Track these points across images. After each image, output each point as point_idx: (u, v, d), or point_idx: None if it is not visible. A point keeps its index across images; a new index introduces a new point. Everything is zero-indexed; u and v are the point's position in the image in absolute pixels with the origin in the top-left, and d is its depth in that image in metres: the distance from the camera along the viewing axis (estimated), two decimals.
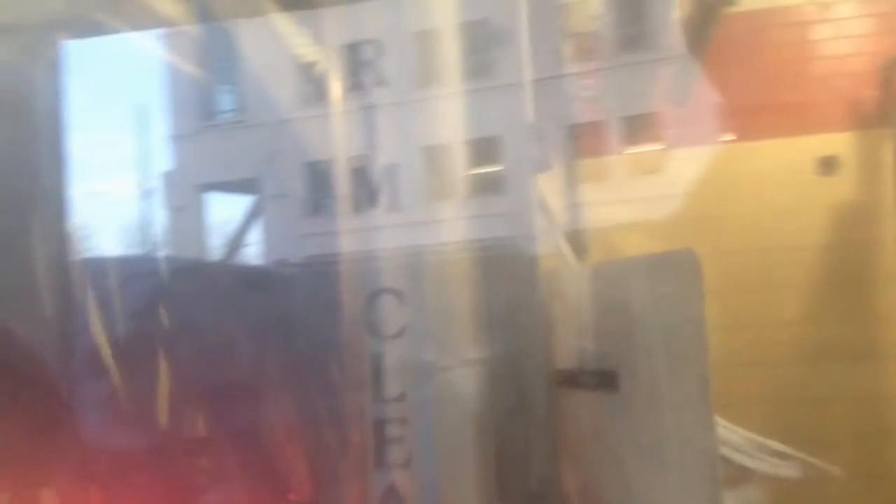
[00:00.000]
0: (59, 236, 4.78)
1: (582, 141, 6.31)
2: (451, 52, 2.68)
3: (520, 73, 3.02)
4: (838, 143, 6.54)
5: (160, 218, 8.35)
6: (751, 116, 6.53)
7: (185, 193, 9.46)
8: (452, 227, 2.77)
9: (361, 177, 2.74)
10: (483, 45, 2.94)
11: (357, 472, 2.65)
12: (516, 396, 2.75)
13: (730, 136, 6.58)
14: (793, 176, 6.48)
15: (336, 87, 2.70)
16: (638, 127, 6.29)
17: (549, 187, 5.72)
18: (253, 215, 6.94)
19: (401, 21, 2.68)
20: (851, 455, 6.02)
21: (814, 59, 6.74)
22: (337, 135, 2.83)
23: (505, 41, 3.91)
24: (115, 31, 4.35)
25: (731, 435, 3.79)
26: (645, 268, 2.90)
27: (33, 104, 4.32)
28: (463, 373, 2.68)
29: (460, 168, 2.80)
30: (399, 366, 2.62)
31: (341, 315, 2.83)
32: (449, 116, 2.68)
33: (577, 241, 6.61)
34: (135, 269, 6.19)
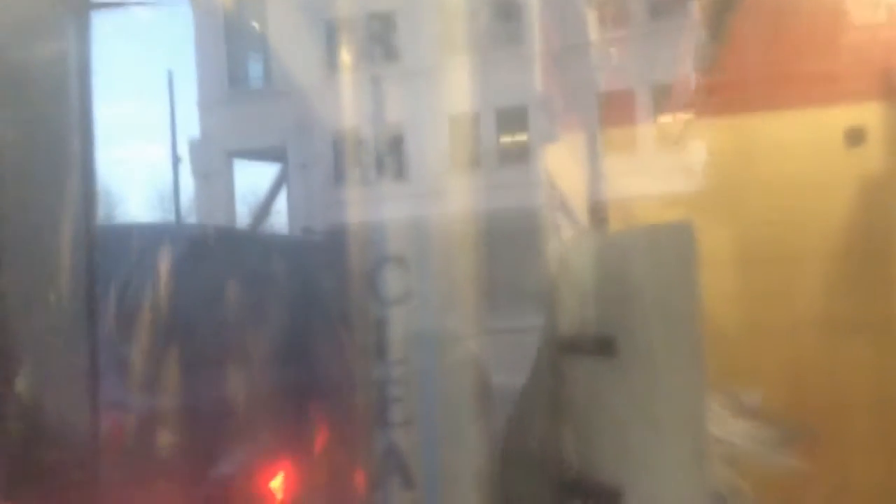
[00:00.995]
0: (86, 202, 4.85)
1: (606, 110, 6.31)
2: (465, 23, 2.71)
3: (530, 44, 3.04)
4: (867, 113, 6.45)
5: (189, 184, 8.50)
6: (778, 86, 6.45)
7: (214, 160, 9.57)
8: (463, 196, 2.83)
9: (374, 146, 2.80)
10: (497, 16, 2.96)
11: (360, 430, 2.76)
12: (521, 363, 2.83)
13: (757, 106, 6.53)
14: (819, 146, 6.42)
15: (351, 58, 2.74)
16: (663, 96, 6.26)
17: (565, 158, 5.75)
18: (280, 183, 7.05)
19: None
20: (869, 426, 6.01)
21: (844, 28, 6.63)
22: (349, 104, 2.87)
23: (516, 13, 3.93)
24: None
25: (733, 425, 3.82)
26: (644, 238, 2.96)
27: (60, 71, 4.37)
28: (466, 338, 2.75)
29: (469, 138, 2.85)
30: (402, 330, 2.70)
31: (349, 281, 2.92)
32: (463, 87, 2.72)
33: (598, 210, 6.62)
34: (159, 237, 6.35)
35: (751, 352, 6.72)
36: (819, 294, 6.44)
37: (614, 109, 6.35)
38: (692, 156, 6.64)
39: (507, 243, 2.82)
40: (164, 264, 5.17)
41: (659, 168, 6.60)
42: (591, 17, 5.13)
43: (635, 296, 2.76)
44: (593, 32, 5.25)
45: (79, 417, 4.24)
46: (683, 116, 6.44)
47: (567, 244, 3.01)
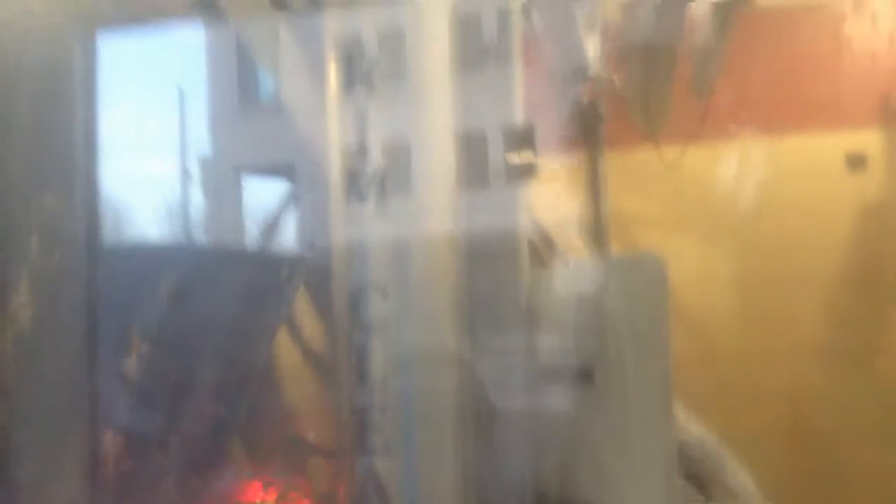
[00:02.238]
0: (91, 217, 4.91)
1: (604, 133, 6.34)
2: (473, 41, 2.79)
3: (513, 68, 3.10)
4: (868, 139, 6.46)
5: (198, 200, 8.56)
6: (778, 110, 6.48)
7: (223, 176, 9.65)
8: (445, 218, 2.88)
9: (372, 165, 2.86)
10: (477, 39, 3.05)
11: (341, 456, 2.80)
12: (498, 388, 2.87)
13: (756, 131, 6.55)
14: (820, 172, 6.43)
15: (356, 75, 2.81)
16: (661, 120, 6.29)
17: (557, 181, 5.78)
18: (289, 199, 7.10)
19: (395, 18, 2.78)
20: (871, 454, 6.00)
21: (845, 54, 6.64)
22: (353, 122, 2.94)
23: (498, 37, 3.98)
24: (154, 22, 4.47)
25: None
26: (618, 267, 3.02)
27: (67, 85, 4.44)
28: (445, 364, 2.80)
29: (451, 158, 2.90)
30: (382, 356, 2.75)
31: (333, 304, 2.98)
32: (470, 105, 2.79)
33: (597, 234, 6.65)
34: (163, 255, 6.43)
35: (750, 376, 6.73)
36: (820, 319, 6.44)
37: (613, 132, 6.39)
38: (693, 179, 6.66)
39: (490, 267, 2.89)
40: (168, 285, 5.24)
41: (658, 191, 6.62)
42: (590, 40, 5.18)
43: (609, 324, 2.83)
44: (592, 54, 5.30)
45: (77, 437, 4.30)
46: (681, 140, 6.47)
47: (546, 271, 3.08)
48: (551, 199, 6.16)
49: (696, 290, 6.84)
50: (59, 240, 4.51)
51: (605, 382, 2.80)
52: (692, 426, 3.50)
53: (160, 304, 5.15)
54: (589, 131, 6.26)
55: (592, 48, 5.57)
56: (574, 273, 3.06)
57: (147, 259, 6.06)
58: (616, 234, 6.58)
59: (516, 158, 2.92)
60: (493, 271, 2.84)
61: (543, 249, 5.06)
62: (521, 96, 3.01)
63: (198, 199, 8.58)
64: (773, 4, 6.47)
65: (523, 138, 2.93)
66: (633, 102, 6.14)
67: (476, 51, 2.87)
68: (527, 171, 2.96)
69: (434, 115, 2.79)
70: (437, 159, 2.79)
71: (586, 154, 6.44)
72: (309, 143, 3.32)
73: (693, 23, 5.53)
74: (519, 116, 2.96)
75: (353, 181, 2.78)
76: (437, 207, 2.74)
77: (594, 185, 6.49)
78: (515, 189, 2.95)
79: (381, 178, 2.70)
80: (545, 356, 2.89)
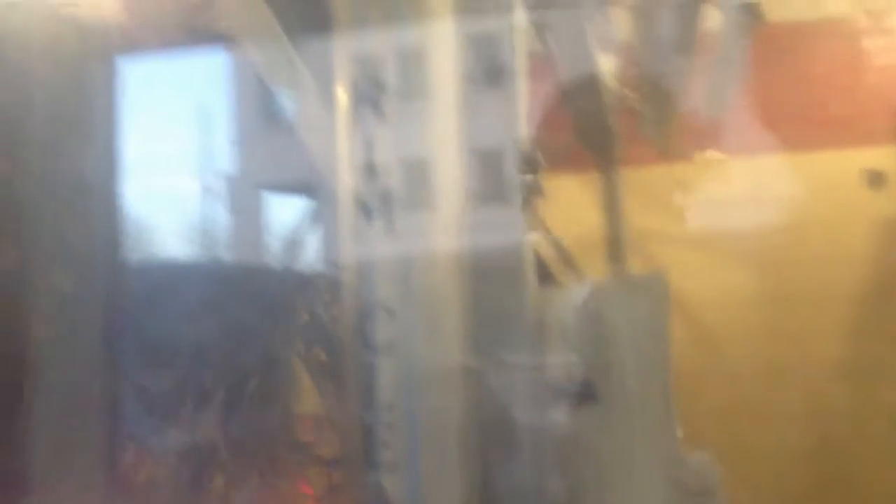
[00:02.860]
0: (112, 234, 4.98)
1: (620, 150, 6.35)
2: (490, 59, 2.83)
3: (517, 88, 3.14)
4: (886, 156, 6.43)
5: (220, 217, 8.65)
6: (796, 127, 6.47)
7: (245, 194, 9.75)
8: (453, 237, 2.92)
9: (366, 187, 2.89)
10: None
11: (349, 473, 2.83)
12: (503, 408, 2.90)
13: (774, 147, 6.53)
14: (838, 188, 6.40)
15: (372, 93, 2.85)
16: (675, 136, 6.31)
17: (570, 197, 5.81)
18: (310, 217, 7.15)
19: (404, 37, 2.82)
20: (891, 466, 5.94)
21: (864, 71, 6.63)
22: (370, 140, 2.99)
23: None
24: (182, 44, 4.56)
25: None
26: (623, 287, 3.05)
27: (89, 104, 4.53)
28: (451, 382, 2.83)
29: (458, 177, 2.94)
30: (390, 375, 2.78)
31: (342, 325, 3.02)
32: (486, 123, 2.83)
33: (615, 251, 6.65)
34: (184, 273, 6.51)
35: (769, 392, 6.69)
36: (839, 335, 6.40)
37: (631, 150, 6.40)
38: (711, 196, 6.66)
39: (497, 285, 2.92)
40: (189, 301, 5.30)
41: (676, 208, 6.62)
42: (605, 57, 5.21)
43: (614, 343, 2.86)
44: (607, 72, 5.32)
45: (97, 450, 4.37)
46: (698, 157, 6.48)
47: (553, 289, 3.11)
48: (568, 215, 6.19)
49: (716, 306, 6.83)
50: (78, 257, 4.58)
51: (610, 401, 2.83)
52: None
53: (181, 318, 5.22)
54: (604, 148, 6.27)
55: (607, 65, 5.60)
56: (579, 292, 3.09)
57: (168, 274, 6.15)
58: (635, 251, 6.58)
59: (522, 178, 2.96)
60: (500, 289, 2.88)
61: (561, 266, 5.10)
62: (526, 116, 3.05)
63: (220, 215, 8.67)
64: (790, 21, 6.48)
65: (528, 159, 2.97)
66: (647, 119, 6.15)
67: (483, 70, 2.91)
68: (532, 191, 3.00)
69: (441, 134, 2.83)
70: (444, 178, 2.83)
71: (602, 171, 6.45)
72: (324, 162, 3.35)
73: (706, 40, 5.54)
74: (524, 137, 3.00)
75: (361, 201, 2.82)
76: (444, 226, 2.78)
77: (611, 202, 6.50)
78: (521, 207, 2.98)
79: (388, 197, 2.74)
80: (552, 373, 2.92)
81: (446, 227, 2.84)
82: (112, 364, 4.62)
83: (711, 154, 6.76)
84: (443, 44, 2.82)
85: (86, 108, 4.47)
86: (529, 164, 3.03)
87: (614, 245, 6.47)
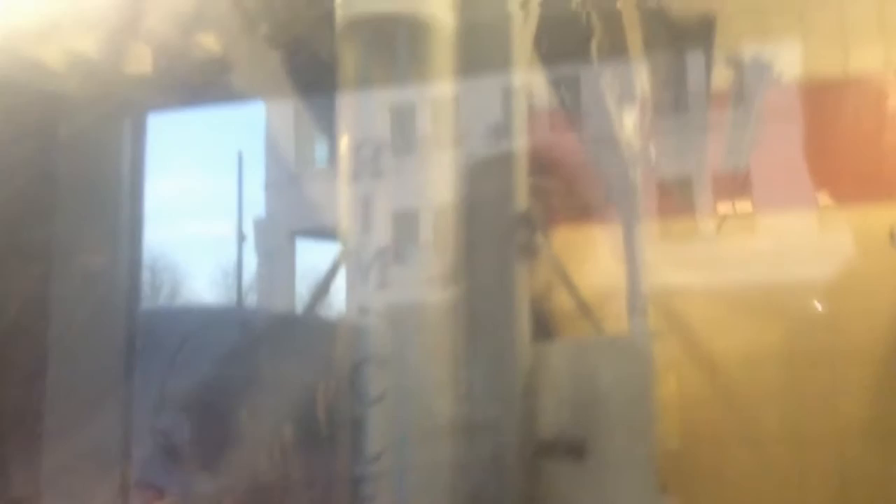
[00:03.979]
0: (134, 280, 5.08)
1: (644, 203, 6.34)
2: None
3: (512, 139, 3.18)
4: None
5: (252, 262, 8.80)
6: (825, 182, 6.41)
7: (277, 239, 9.92)
8: (445, 291, 2.93)
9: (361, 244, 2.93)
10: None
11: None
12: (493, 462, 2.88)
13: (801, 202, 6.48)
14: (864, 246, 6.30)
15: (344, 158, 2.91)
16: (694, 189, 6.30)
17: (593, 249, 5.81)
18: (340, 263, 7.19)
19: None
20: None
21: (889, 127, 6.56)
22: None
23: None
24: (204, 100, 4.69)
25: None
26: (610, 347, 3.06)
27: (116, 153, 4.67)
28: (441, 437, 2.82)
29: (452, 233, 2.97)
30: (380, 427, 2.78)
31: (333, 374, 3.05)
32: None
33: (635, 304, 6.60)
34: (206, 320, 6.59)
35: (796, 456, 6.49)
36: (869, 397, 6.23)
37: (653, 202, 6.38)
38: (731, 250, 6.60)
39: (489, 341, 2.93)
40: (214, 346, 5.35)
41: (698, 261, 6.57)
42: (626, 111, 5.25)
43: (601, 401, 2.86)
44: (628, 126, 5.36)
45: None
46: (719, 210, 6.45)
47: (545, 346, 3.11)
48: (589, 267, 6.18)
49: (740, 363, 6.70)
50: (100, 301, 4.68)
51: (597, 459, 2.81)
52: None
53: (205, 364, 5.26)
54: (625, 201, 6.27)
55: (629, 120, 5.63)
56: (567, 349, 3.10)
57: (195, 320, 6.22)
58: (658, 305, 6.53)
59: (518, 233, 2.98)
60: (492, 343, 2.88)
61: (582, 317, 5.09)
62: (523, 175, 3.08)
63: (251, 261, 8.81)
64: (820, 77, 6.46)
65: (524, 215, 2.99)
66: (669, 173, 6.16)
67: (480, 128, 2.95)
68: (528, 250, 3.01)
69: (437, 189, 2.86)
70: (438, 232, 2.85)
71: (624, 223, 6.44)
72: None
73: (721, 96, 5.56)
74: (521, 192, 3.03)
75: (356, 254, 2.86)
76: (437, 280, 2.79)
77: (632, 255, 6.47)
78: (516, 265, 2.99)
79: (383, 251, 2.77)
80: (541, 429, 2.92)
81: (439, 281, 2.86)
82: (133, 408, 4.68)
83: (736, 208, 6.72)
84: (443, 103, 2.87)
85: (112, 162, 4.61)
86: (525, 221, 3.05)
87: (634, 298, 6.43)
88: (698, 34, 4.55)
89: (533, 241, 2.98)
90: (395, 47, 2.75)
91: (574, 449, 2.81)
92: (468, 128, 2.99)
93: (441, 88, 2.91)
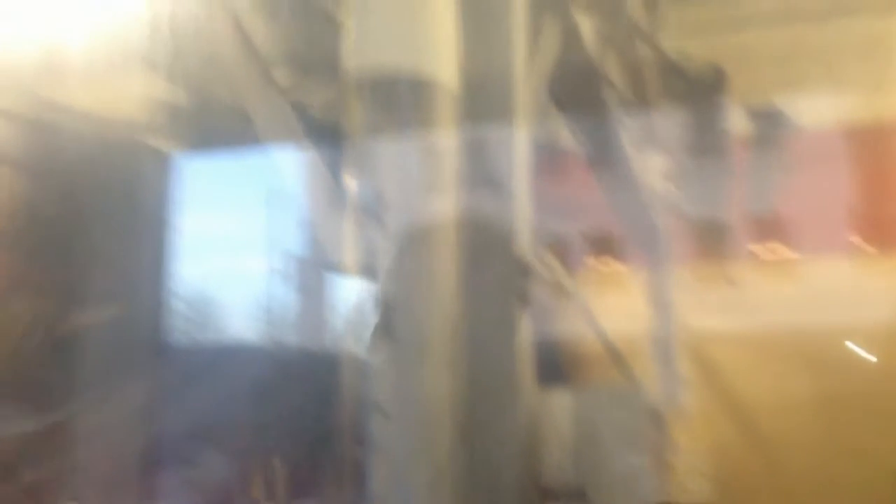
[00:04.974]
0: (160, 316, 5.19)
1: (673, 248, 6.31)
2: None
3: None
4: None
5: (286, 297, 8.84)
6: (848, 229, 6.33)
7: (310, 274, 9.99)
8: (448, 343, 2.97)
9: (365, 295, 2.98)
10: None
11: None
12: None
13: (833, 248, 6.39)
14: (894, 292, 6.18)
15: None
16: (717, 235, 6.26)
17: (624, 296, 5.80)
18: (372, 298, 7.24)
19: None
20: None
21: None
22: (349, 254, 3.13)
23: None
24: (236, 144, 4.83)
25: None
26: (608, 396, 3.08)
27: (151, 193, 4.81)
28: (443, 484, 2.83)
29: (454, 282, 3.02)
30: (381, 473, 2.81)
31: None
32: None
33: (664, 348, 6.54)
34: (242, 352, 6.66)
35: None
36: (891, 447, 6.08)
37: (680, 246, 6.35)
38: (764, 295, 6.52)
39: (490, 389, 2.95)
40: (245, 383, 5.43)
41: (730, 306, 6.49)
42: (644, 156, 5.27)
43: (599, 449, 2.88)
44: (648, 169, 5.38)
45: None
46: (753, 255, 6.38)
47: (547, 395, 3.12)
48: (619, 311, 6.15)
49: (773, 412, 6.58)
50: (126, 339, 4.78)
51: (597, 500, 2.83)
52: None
53: (234, 402, 5.32)
54: (650, 245, 6.24)
55: (651, 165, 5.63)
56: (570, 398, 3.11)
57: (225, 356, 6.30)
58: (690, 349, 6.48)
59: (517, 283, 3.01)
60: (492, 394, 2.89)
61: (611, 361, 5.08)
62: (527, 227, 3.12)
63: (284, 296, 8.88)
64: (852, 124, 6.39)
65: (522, 265, 3.01)
66: (699, 218, 6.13)
67: (482, 180, 3.00)
68: (523, 300, 3.04)
69: (440, 238, 2.90)
70: (440, 284, 2.89)
71: (650, 267, 6.41)
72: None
73: (744, 143, 5.55)
74: (522, 249, 3.06)
75: (361, 305, 2.91)
76: (440, 331, 2.83)
77: (659, 299, 6.43)
78: (515, 315, 3.01)
79: (387, 304, 2.81)
80: (544, 475, 2.93)
81: (442, 332, 2.89)
82: (156, 449, 4.75)
83: (770, 253, 6.65)
84: (446, 152, 2.93)
85: (147, 201, 4.75)
86: (523, 270, 3.08)
87: (662, 343, 6.37)
88: (711, 84, 4.58)
89: (528, 292, 3.02)
90: (399, 102, 2.81)
91: (575, 495, 2.82)
92: (470, 177, 3.04)
93: (443, 139, 2.96)
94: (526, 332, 3.02)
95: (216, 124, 4.47)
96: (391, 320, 2.85)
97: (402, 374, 2.86)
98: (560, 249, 6.50)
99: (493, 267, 2.96)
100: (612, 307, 5.95)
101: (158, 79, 4.07)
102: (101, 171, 4.55)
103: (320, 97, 3.58)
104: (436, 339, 2.86)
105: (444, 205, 2.94)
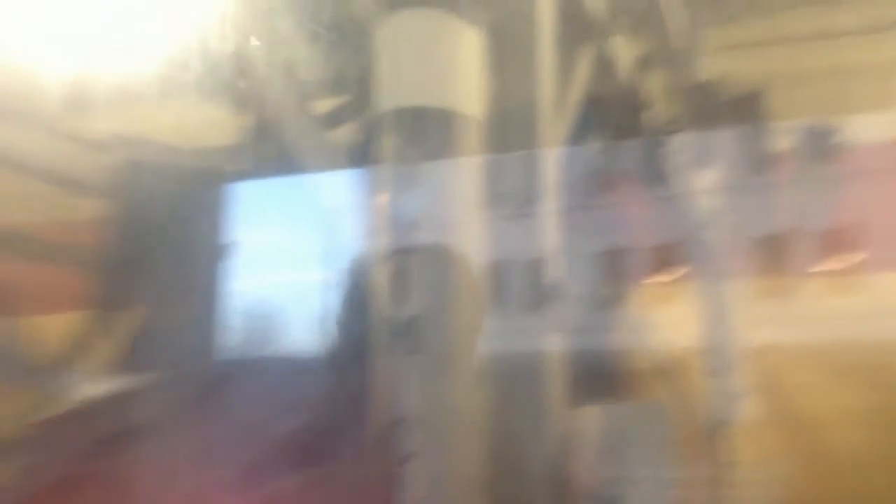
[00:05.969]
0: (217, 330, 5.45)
1: (728, 262, 6.34)
2: None
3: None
4: None
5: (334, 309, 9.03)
6: None
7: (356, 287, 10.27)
8: (474, 356, 3.15)
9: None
10: None
11: None
12: None
13: (880, 264, 6.34)
14: None
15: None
16: (774, 249, 6.26)
17: (683, 306, 5.86)
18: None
19: None
20: None
21: None
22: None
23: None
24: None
25: None
26: (631, 414, 3.20)
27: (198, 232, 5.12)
28: (474, 494, 3.00)
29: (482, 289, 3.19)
30: (413, 481, 3.00)
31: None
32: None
33: (722, 359, 6.54)
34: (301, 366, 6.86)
35: None
36: None
37: (737, 260, 6.38)
38: (826, 309, 6.49)
39: (520, 400, 3.11)
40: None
41: (789, 319, 6.47)
42: (690, 174, 5.34)
43: (627, 464, 3.00)
44: (696, 186, 5.45)
45: None
46: (801, 270, 6.35)
47: (578, 411, 3.26)
48: (675, 326, 6.21)
49: (833, 425, 6.51)
50: (186, 352, 5.07)
51: None
52: None
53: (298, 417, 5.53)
54: (705, 262, 6.30)
55: (704, 183, 5.71)
56: (599, 414, 3.24)
57: (285, 371, 6.55)
58: (748, 363, 6.47)
59: (544, 292, 3.17)
60: (521, 404, 3.06)
61: (670, 371, 5.15)
62: (550, 236, 3.28)
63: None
64: (893, 138, 6.33)
65: (552, 289, 3.17)
66: (750, 234, 6.16)
67: (503, 194, 3.19)
68: (549, 296, 3.18)
69: (467, 266, 3.09)
70: (467, 298, 3.07)
71: (702, 282, 6.46)
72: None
73: (791, 159, 5.57)
74: (547, 258, 3.22)
75: (390, 324, 3.11)
76: (466, 345, 3.02)
77: (712, 314, 6.47)
78: (546, 322, 3.17)
79: (414, 322, 3.01)
80: (574, 489, 3.07)
81: (468, 344, 3.08)
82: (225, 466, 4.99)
83: (827, 267, 6.61)
84: (473, 178, 3.13)
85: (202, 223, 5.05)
86: (553, 291, 3.24)
87: (717, 357, 6.39)
88: (755, 103, 4.65)
89: (554, 293, 3.17)
90: (426, 132, 3.04)
91: None
92: (496, 201, 3.23)
93: (469, 166, 3.17)
94: (555, 347, 3.18)
95: (269, 149, 4.74)
96: (419, 333, 3.05)
97: (430, 384, 3.06)
98: (616, 265, 6.60)
99: (518, 287, 3.14)
100: (669, 322, 6.04)
101: (215, 105, 4.31)
102: (166, 195, 4.88)
103: (352, 125, 3.83)
104: (463, 351, 3.05)
105: (472, 225, 3.14)
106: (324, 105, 3.96)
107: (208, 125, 4.64)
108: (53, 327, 5.34)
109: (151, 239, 5.08)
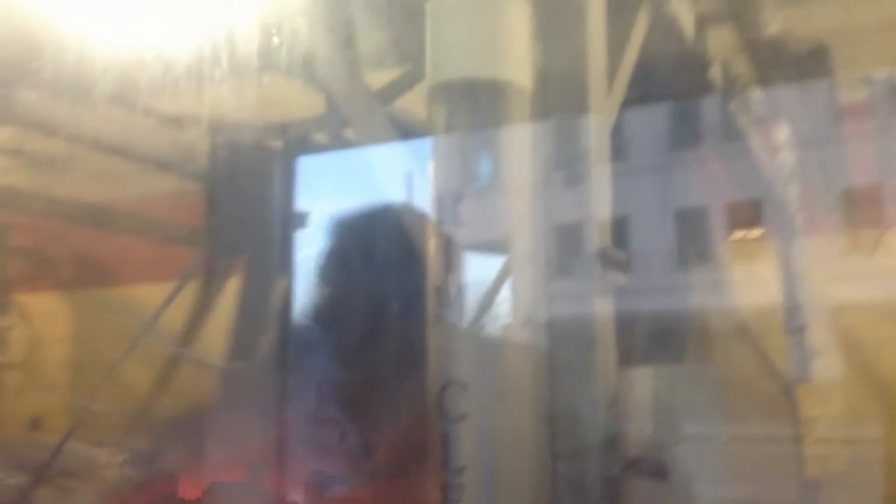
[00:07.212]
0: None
1: (804, 219, 6.22)
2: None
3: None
4: None
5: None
6: None
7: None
8: (525, 319, 3.23)
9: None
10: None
11: None
12: (576, 477, 3.14)
13: None
14: None
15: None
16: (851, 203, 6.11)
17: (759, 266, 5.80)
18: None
19: None
20: None
21: None
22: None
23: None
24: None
25: None
26: (681, 375, 3.23)
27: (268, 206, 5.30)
28: (524, 451, 3.11)
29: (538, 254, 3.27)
30: (463, 443, 3.11)
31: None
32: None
33: (795, 319, 6.44)
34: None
35: None
36: None
37: (813, 217, 6.25)
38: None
39: (572, 361, 3.18)
40: None
41: (864, 276, 6.31)
42: (761, 131, 5.26)
43: (675, 427, 3.03)
44: (768, 144, 5.36)
45: None
46: (877, 224, 6.18)
47: (630, 372, 3.30)
48: (754, 284, 6.15)
49: None
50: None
51: (675, 481, 2.99)
52: None
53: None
54: (781, 218, 6.20)
55: (775, 139, 5.61)
56: (647, 376, 3.28)
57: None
58: (825, 320, 6.36)
59: (599, 258, 3.23)
60: (573, 366, 3.13)
61: (741, 335, 5.13)
62: (603, 203, 3.31)
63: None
64: None
65: (605, 249, 3.22)
66: (824, 189, 6.04)
67: (568, 158, 3.24)
68: (616, 264, 3.23)
69: (519, 220, 3.17)
70: (518, 264, 3.15)
71: (779, 240, 6.37)
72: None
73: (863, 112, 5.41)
74: (602, 225, 3.26)
75: (440, 291, 3.21)
76: (518, 310, 3.10)
77: (788, 272, 6.38)
78: (598, 286, 3.23)
79: (462, 289, 3.11)
80: (624, 450, 3.14)
81: (519, 310, 3.16)
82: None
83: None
84: (523, 144, 3.18)
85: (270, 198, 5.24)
86: (602, 257, 3.29)
87: (792, 315, 6.31)
88: (818, 57, 4.53)
89: (621, 257, 3.22)
90: (478, 106, 3.11)
91: (658, 469, 3.02)
92: (546, 170, 3.28)
93: (519, 136, 3.23)
94: (606, 311, 3.24)
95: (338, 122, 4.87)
96: (465, 303, 3.14)
97: (481, 351, 3.17)
98: (698, 225, 6.54)
99: (573, 240, 3.20)
100: (748, 280, 5.98)
101: (281, 81, 4.44)
102: (237, 172, 5.08)
103: (404, 97, 3.91)
104: (513, 317, 3.13)
105: (522, 194, 3.20)
106: (381, 77, 4.06)
107: (281, 101, 4.79)
108: (151, 298, 5.66)
109: (239, 211, 5.29)
